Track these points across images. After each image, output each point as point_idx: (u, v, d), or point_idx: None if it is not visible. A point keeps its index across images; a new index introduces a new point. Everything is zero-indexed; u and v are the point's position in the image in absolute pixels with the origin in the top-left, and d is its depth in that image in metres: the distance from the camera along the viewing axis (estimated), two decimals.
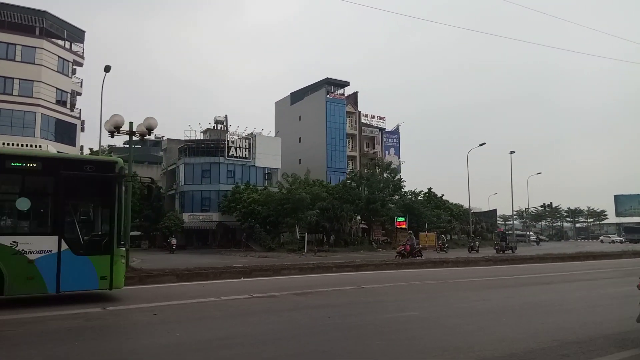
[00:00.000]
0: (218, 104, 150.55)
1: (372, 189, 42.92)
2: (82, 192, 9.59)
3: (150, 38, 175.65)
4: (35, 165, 8.88)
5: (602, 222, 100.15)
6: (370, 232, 47.26)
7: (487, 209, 76.91)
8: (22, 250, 8.36)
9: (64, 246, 8.67)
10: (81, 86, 45.14)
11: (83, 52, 44.75)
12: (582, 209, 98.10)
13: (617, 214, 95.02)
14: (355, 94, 65.35)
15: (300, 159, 60.52)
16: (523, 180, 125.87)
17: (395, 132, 71.60)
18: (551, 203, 61.76)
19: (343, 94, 61.10)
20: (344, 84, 61.03)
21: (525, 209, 68.98)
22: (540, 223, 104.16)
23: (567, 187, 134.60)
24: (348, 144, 62.74)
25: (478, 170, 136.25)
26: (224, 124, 58.88)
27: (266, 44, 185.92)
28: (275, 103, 69.90)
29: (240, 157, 50.99)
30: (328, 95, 59.88)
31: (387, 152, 74.49)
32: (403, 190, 47.54)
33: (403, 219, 43.51)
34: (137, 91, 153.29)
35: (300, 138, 62.57)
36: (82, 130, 44.59)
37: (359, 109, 64.63)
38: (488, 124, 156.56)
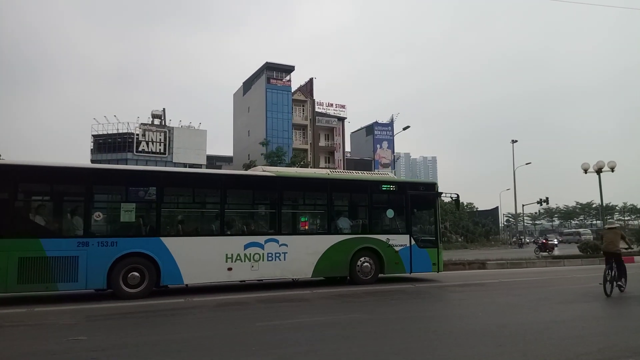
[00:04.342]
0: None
1: None
2: (419, 205, 13.84)
3: (199, 50, 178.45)
4: (394, 187, 13.32)
5: None
6: None
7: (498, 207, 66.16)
8: (392, 244, 12.68)
9: (412, 242, 12.97)
10: None
11: None
12: (614, 204, 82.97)
13: None
14: (311, 81, 58.56)
15: (249, 155, 53.85)
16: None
17: (389, 124, 64.84)
18: (547, 198, 50.62)
19: (289, 80, 53.52)
20: (288, 69, 54.36)
21: (523, 205, 57.43)
22: (569, 222, 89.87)
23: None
24: (301, 136, 55.01)
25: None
26: (162, 118, 53.37)
27: (318, 52, 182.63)
28: (234, 95, 63.85)
29: (153, 153, 45.38)
30: (270, 82, 52.36)
31: (378, 145, 66.80)
32: None
33: (304, 219, 35.21)
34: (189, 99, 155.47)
35: (249, 131, 55.88)
36: None
37: (315, 97, 56.54)
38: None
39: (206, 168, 46.15)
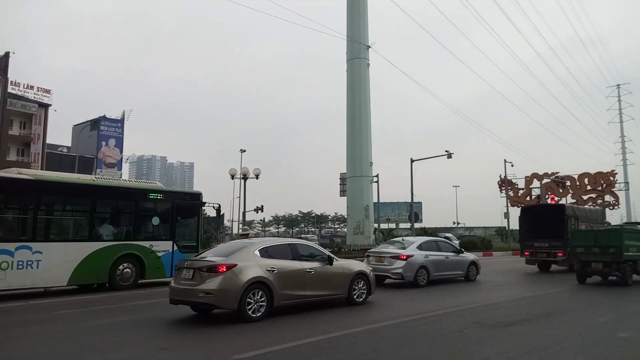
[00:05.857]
0: None
1: None
2: (183, 213, 14.69)
3: None
4: (161, 196, 14.04)
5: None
6: None
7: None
8: (155, 250, 13.31)
9: (175, 247, 13.83)
10: None
11: None
12: (327, 214, 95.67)
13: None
14: (6, 56, 47.45)
15: None
16: None
17: (120, 121, 59.65)
18: (262, 206, 51.84)
19: None
20: None
21: (244, 213, 58.45)
22: (294, 229, 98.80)
23: None
24: None
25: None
26: None
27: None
28: None
29: None
30: None
31: (104, 142, 57.80)
32: None
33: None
34: None
35: None
36: None
37: (9, 77, 45.82)
38: None
39: None
